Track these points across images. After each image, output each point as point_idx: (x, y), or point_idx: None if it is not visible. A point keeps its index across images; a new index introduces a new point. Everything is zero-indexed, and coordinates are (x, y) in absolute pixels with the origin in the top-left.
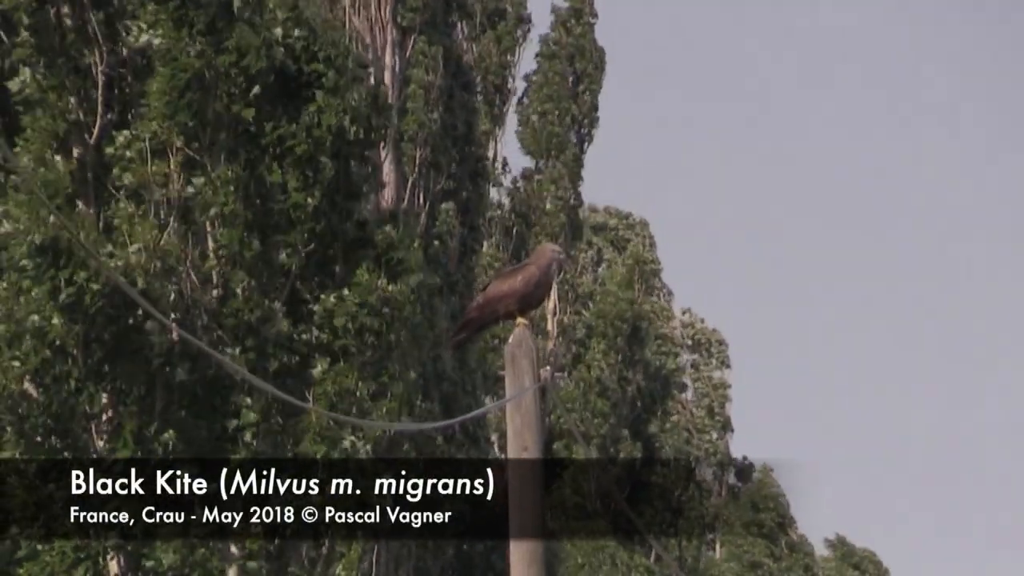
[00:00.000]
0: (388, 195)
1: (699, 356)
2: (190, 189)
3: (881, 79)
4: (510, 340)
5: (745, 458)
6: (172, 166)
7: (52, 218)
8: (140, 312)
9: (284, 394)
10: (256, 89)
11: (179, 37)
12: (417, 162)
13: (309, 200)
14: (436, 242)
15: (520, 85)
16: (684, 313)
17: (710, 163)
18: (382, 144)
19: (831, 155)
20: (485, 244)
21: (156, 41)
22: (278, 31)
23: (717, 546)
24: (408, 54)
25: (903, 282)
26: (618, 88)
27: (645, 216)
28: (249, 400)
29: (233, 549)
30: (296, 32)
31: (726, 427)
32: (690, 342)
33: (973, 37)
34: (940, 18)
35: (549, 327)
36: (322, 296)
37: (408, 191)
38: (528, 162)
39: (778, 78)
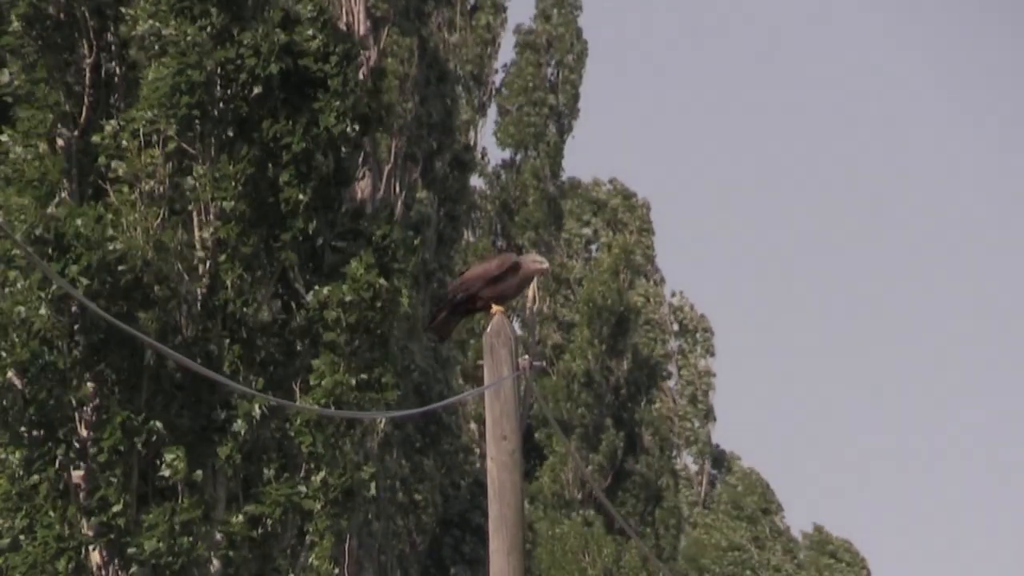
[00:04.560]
0: (365, 184)
1: (685, 343)
2: (190, 180)
3: (881, 66)
4: (488, 329)
5: (718, 445)
6: (161, 156)
7: (50, 209)
8: (128, 303)
9: (272, 396)
10: (258, 89)
11: (189, 29)
12: (392, 152)
13: (301, 196)
14: (411, 232)
15: (500, 75)
16: (674, 296)
17: (714, 149)
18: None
19: (832, 149)
20: (467, 233)
21: (166, 31)
22: (296, 31)
23: (694, 528)
24: (382, 45)
25: (896, 275)
26: (619, 70)
27: (647, 197)
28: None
29: (217, 536)
30: (310, 32)
31: (708, 416)
32: (677, 327)
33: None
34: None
35: (532, 315)
36: (316, 288)
37: (384, 180)
38: (508, 152)
39: (790, 64)
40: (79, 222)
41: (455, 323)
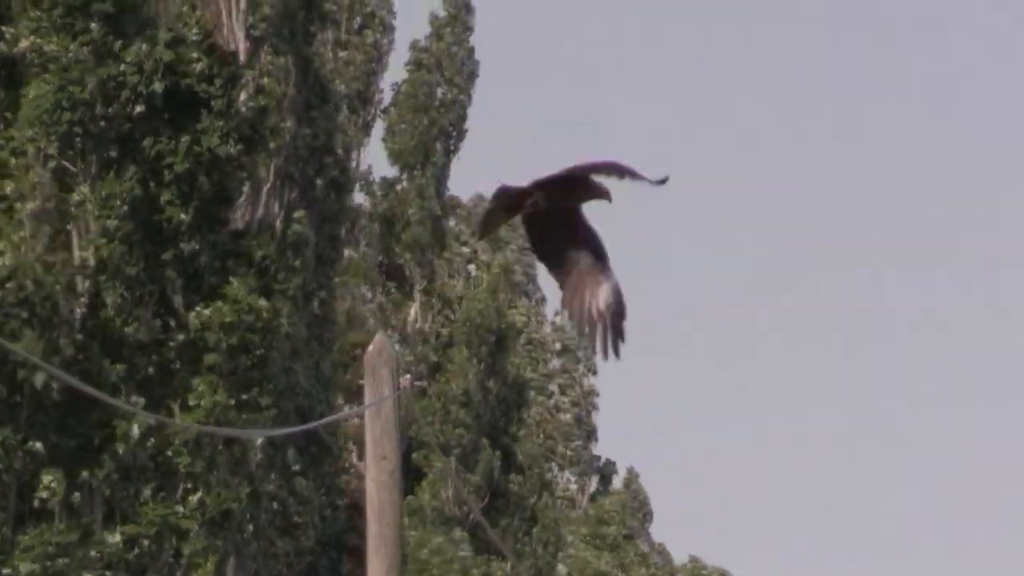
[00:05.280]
0: (244, 204)
1: (567, 362)
2: (75, 198)
3: (801, 60)
4: (370, 349)
5: (609, 460)
6: (42, 175)
7: None
8: (10, 322)
9: (150, 413)
10: (141, 107)
11: (71, 46)
12: (271, 171)
13: (183, 216)
14: (289, 253)
15: (388, 94)
16: (557, 315)
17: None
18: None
19: (716, 164)
20: (349, 251)
21: (48, 48)
22: (181, 51)
23: (559, 563)
24: (261, 64)
25: (777, 288)
26: (508, 90)
27: None
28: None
29: (93, 554)
30: (195, 54)
31: (591, 436)
32: (559, 346)
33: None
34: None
35: (411, 334)
36: (197, 308)
37: (262, 200)
38: (395, 171)
39: (681, 82)
40: None
41: (502, 218)
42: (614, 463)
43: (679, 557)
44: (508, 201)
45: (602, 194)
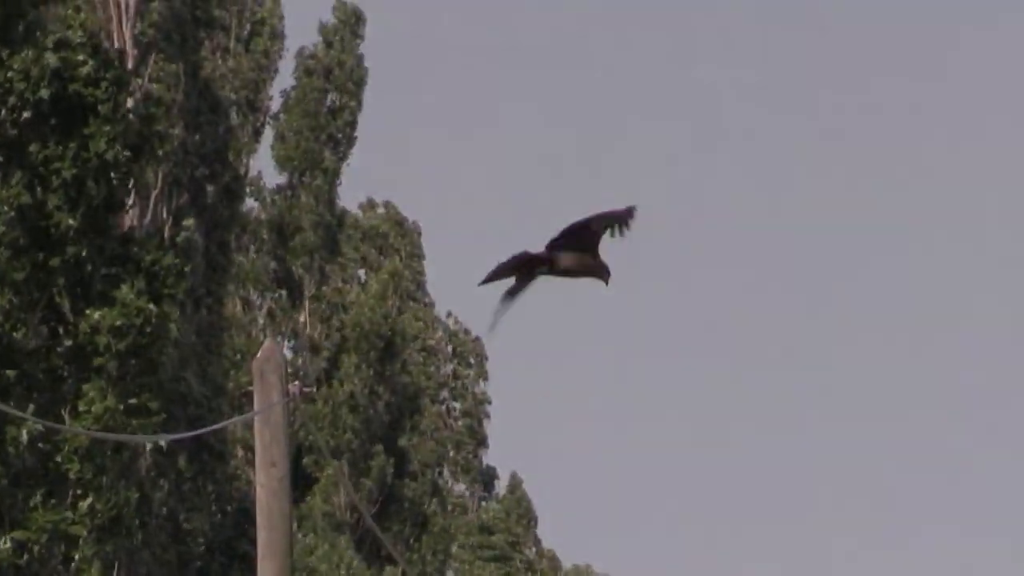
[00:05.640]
0: (133, 210)
1: (459, 366)
2: None
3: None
4: (258, 355)
5: (489, 466)
6: None
7: None
8: None
9: (40, 419)
10: (28, 113)
11: None
12: (160, 177)
13: (71, 222)
14: (176, 260)
15: (278, 101)
16: (448, 317)
17: (488, 171)
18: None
19: (607, 176)
20: (241, 258)
21: None
22: (67, 55)
23: (448, 570)
24: (149, 71)
25: (669, 292)
26: (401, 97)
27: (420, 220)
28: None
29: None
30: (81, 57)
31: (482, 443)
32: (451, 350)
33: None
34: None
35: (302, 340)
36: (87, 312)
37: (151, 206)
38: (284, 177)
39: (570, 91)
40: None
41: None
42: (494, 468)
43: (570, 563)
44: (523, 266)
45: (602, 274)
